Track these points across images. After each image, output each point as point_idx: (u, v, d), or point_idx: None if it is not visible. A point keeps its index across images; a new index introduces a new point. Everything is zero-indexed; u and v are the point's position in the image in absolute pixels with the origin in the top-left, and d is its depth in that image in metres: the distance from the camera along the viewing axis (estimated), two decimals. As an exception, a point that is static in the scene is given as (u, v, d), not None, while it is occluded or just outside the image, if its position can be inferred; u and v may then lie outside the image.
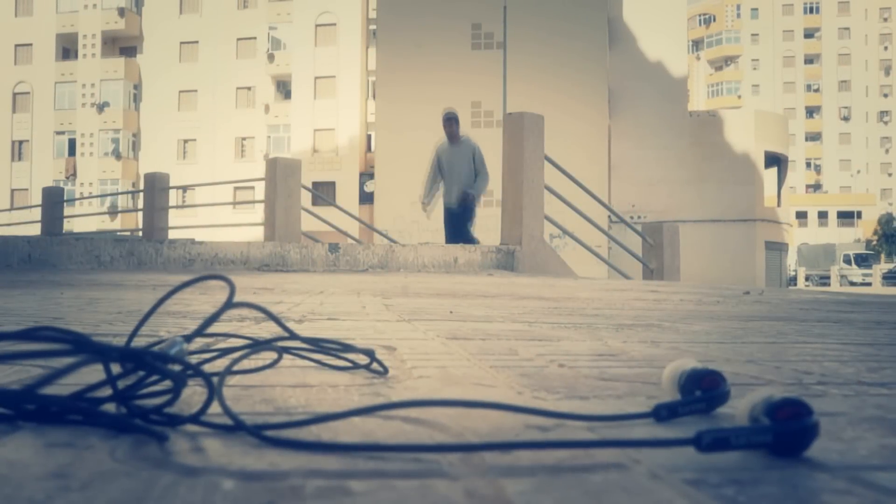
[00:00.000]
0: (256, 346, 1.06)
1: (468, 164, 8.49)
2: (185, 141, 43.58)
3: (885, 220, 62.57)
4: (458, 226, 8.56)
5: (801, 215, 71.32)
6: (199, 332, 0.86)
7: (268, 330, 1.60)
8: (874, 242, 61.96)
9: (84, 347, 0.70)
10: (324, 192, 33.80)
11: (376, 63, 26.75)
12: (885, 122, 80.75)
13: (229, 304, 0.83)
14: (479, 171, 8.59)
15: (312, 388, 0.93)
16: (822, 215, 74.33)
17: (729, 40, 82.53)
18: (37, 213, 14.18)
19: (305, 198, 9.92)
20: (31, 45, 45.49)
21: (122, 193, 18.42)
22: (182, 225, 13.14)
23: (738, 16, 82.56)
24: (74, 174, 43.84)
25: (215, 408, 0.71)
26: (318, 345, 1.10)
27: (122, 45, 45.69)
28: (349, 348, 1.10)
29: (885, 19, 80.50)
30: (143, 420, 0.70)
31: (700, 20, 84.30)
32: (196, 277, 0.87)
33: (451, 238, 8.58)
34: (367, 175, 36.59)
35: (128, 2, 44.63)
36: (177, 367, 0.78)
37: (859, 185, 78.81)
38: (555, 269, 7.68)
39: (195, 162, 42.65)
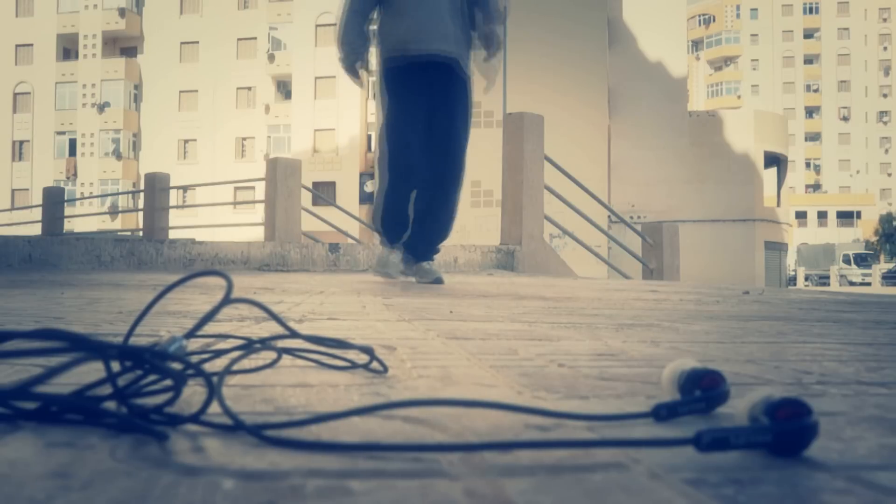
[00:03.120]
0: (255, 344, 1.06)
1: None
2: (186, 141, 43.61)
3: (886, 220, 62.59)
4: (451, 106, 4.31)
5: (801, 215, 71.38)
6: (199, 327, 0.86)
7: (268, 330, 1.60)
8: (874, 242, 61.99)
9: (82, 345, 0.70)
10: (324, 192, 33.79)
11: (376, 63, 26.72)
12: (885, 123, 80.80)
13: (227, 300, 0.83)
14: None
15: (312, 388, 0.93)
16: (822, 215, 74.39)
17: (728, 41, 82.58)
18: (37, 213, 14.18)
19: (306, 198, 9.92)
20: (31, 45, 45.53)
21: (122, 193, 18.44)
22: (182, 225, 13.15)
23: (738, 16, 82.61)
24: (75, 174, 43.87)
25: (215, 407, 0.71)
26: (318, 342, 1.10)
27: (123, 46, 45.73)
28: (348, 345, 1.10)
29: (885, 20, 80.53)
30: (143, 419, 0.70)
31: (700, 20, 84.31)
32: (192, 273, 0.87)
33: (446, 128, 4.31)
34: (367, 175, 36.60)
35: (128, 2, 44.66)
36: (177, 366, 0.78)
37: (858, 185, 78.86)
38: (555, 269, 7.68)
39: (195, 162, 42.67)
